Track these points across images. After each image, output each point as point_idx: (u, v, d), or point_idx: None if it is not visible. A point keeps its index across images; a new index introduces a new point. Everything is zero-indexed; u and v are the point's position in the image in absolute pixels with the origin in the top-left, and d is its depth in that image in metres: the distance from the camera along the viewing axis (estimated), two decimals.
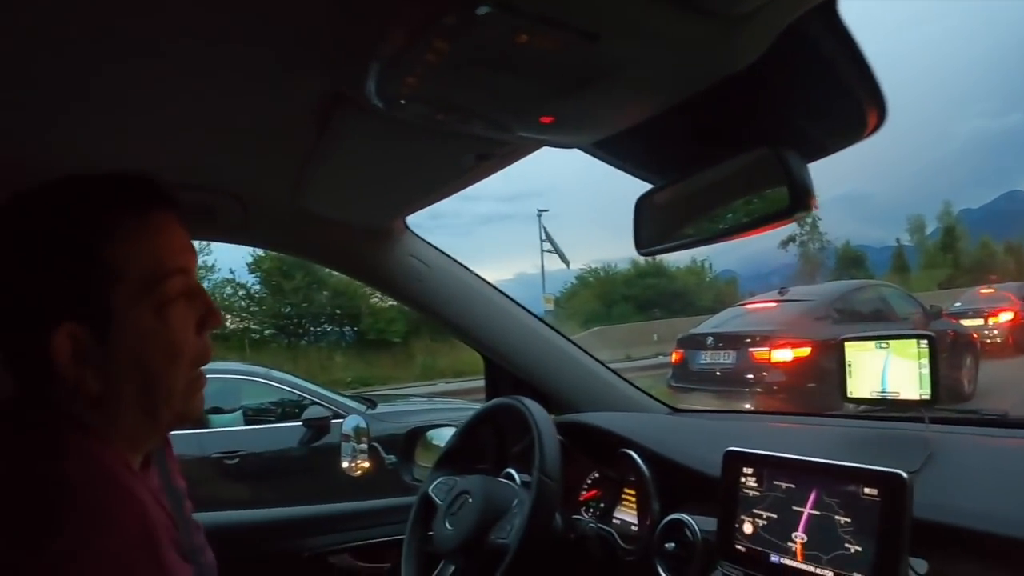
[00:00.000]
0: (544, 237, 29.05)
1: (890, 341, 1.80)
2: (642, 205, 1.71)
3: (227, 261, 26.35)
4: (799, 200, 1.35)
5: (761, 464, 1.54)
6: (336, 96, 1.43)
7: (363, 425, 2.73)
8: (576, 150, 1.57)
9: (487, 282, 2.55)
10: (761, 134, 1.39)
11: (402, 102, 1.28)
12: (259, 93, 1.44)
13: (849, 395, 1.86)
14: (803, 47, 1.17)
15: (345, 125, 1.52)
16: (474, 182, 1.91)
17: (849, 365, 1.86)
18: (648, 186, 1.70)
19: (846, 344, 1.88)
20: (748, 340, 9.99)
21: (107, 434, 1.15)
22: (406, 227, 2.41)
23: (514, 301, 2.60)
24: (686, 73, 1.16)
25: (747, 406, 9.28)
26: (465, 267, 2.52)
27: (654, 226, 1.71)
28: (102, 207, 1.13)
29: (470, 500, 1.99)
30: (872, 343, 1.83)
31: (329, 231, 2.31)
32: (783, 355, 9.48)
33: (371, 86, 1.24)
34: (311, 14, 1.17)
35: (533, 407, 2.00)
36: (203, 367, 1.24)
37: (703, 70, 1.15)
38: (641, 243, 1.71)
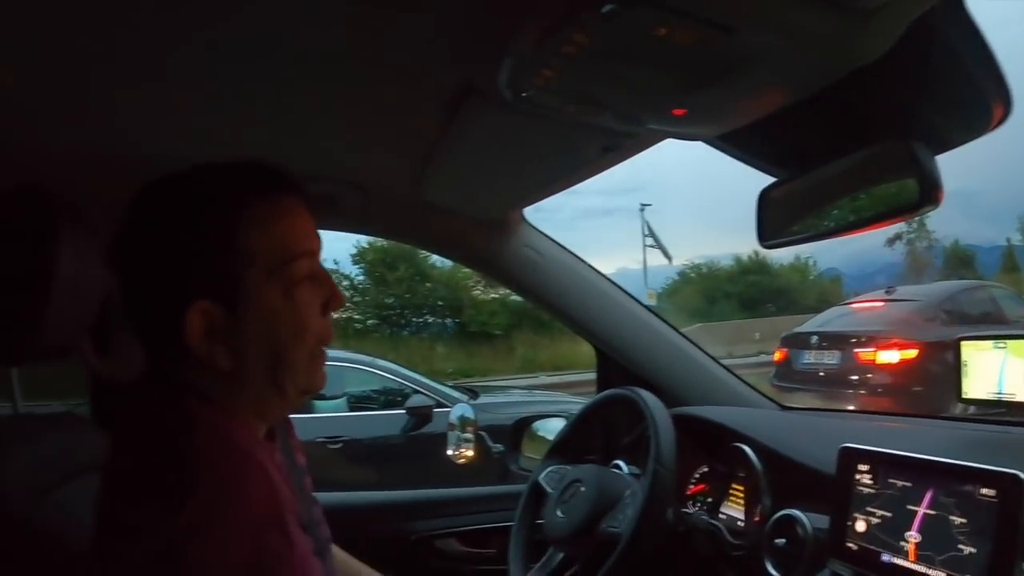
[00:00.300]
0: (646, 232, 28.81)
1: (1008, 341, 1.75)
2: (765, 198, 1.71)
3: (331, 252, 26.56)
4: (928, 194, 1.33)
5: (877, 461, 1.51)
6: (467, 88, 1.46)
7: (469, 415, 2.77)
8: (686, 144, 1.58)
9: (601, 274, 2.55)
10: (887, 127, 1.38)
11: (534, 94, 1.29)
12: (389, 84, 1.48)
13: (964, 396, 1.82)
14: (930, 39, 1.15)
15: (473, 116, 1.54)
16: (595, 174, 1.92)
17: (965, 365, 1.82)
18: (770, 179, 1.70)
19: (962, 343, 1.84)
20: (853, 340, 9.73)
21: (234, 408, 1.21)
22: (522, 218, 2.43)
23: (627, 293, 2.59)
24: (817, 66, 1.15)
25: (850, 408, 9.09)
26: (579, 258, 2.52)
27: (777, 219, 1.70)
28: (235, 193, 1.19)
29: (582, 489, 2.00)
30: (990, 343, 1.79)
31: (448, 221, 2.35)
32: (889, 356, 9.23)
33: (504, 78, 1.27)
34: (448, 7, 1.20)
35: (649, 398, 2.01)
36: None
37: (833, 63, 1.14)
38: (764, 236, 1.71)
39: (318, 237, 1.29)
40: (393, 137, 1.78)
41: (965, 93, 1.29)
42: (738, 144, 1.60)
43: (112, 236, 1.21)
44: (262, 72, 1.41)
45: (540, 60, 1.16)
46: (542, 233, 2.48)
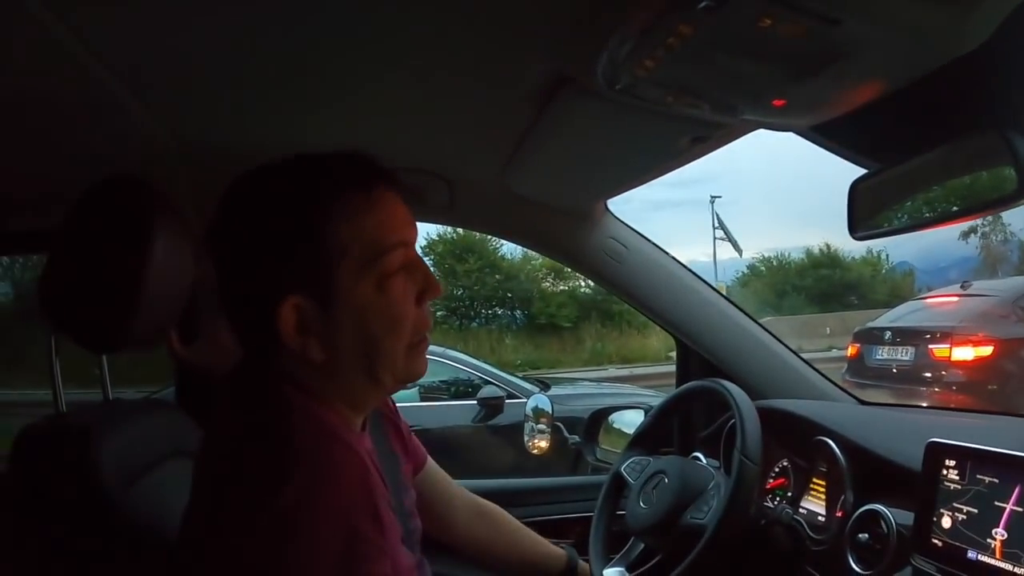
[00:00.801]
0: (716, 224, 28.55)
1: None
2: (856, 189, 1.69)
3: None
4: None
5: (965, 457, 1.48)
6: (561, 78, 1.47)
7: (543, 406, 2.78)
8: (760, 134, 1.60)
9: (684, 265, 2.54)
10: (982, 116, 1.36)
11: (633, 84, 1.30)
12: (481, 74, 1.50)
13: None
14: None
15: (565, 106, 1.55)
16: (682, 164, 1.92)
17: None
18: (860, 171, 1.68)
19: None
20: (928, 336, 9.55)
21: (328, 396, 1.23)
22: (607, 209, 2.44)
23: (709, 285, 2.59)
24: (917, 56, 1.15)
25: (923, 405, 8.96)
26: (663, 250, 2.52)
27: (868, 210, 1.68)
28: (330, 186, 1.20)
29: (666, 480, 2.01)
30: None
31: (533, 212, 2.37)
32: (964, 353, 9.05)
33: (603, 68, 1.28)
34: None
35: (735, 390, 2.00)
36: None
37: (933, 53, 1.13)
38: (855, 227, 1.69)
39: (414, 227, 1.30)
40: (482, 127, 1.81)
41: None
42: (830, 135, 1.58)
43: (205, 226, 1.24)
44: (347, 61, 1.44)
45: (642, 50, 1.17)
46: (625, 224, 2.49)
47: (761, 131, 1.61)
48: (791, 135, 1.60)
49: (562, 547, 1.97)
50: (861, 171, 1.69)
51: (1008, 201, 1.38)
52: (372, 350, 1.22)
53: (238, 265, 1.21)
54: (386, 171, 1.26)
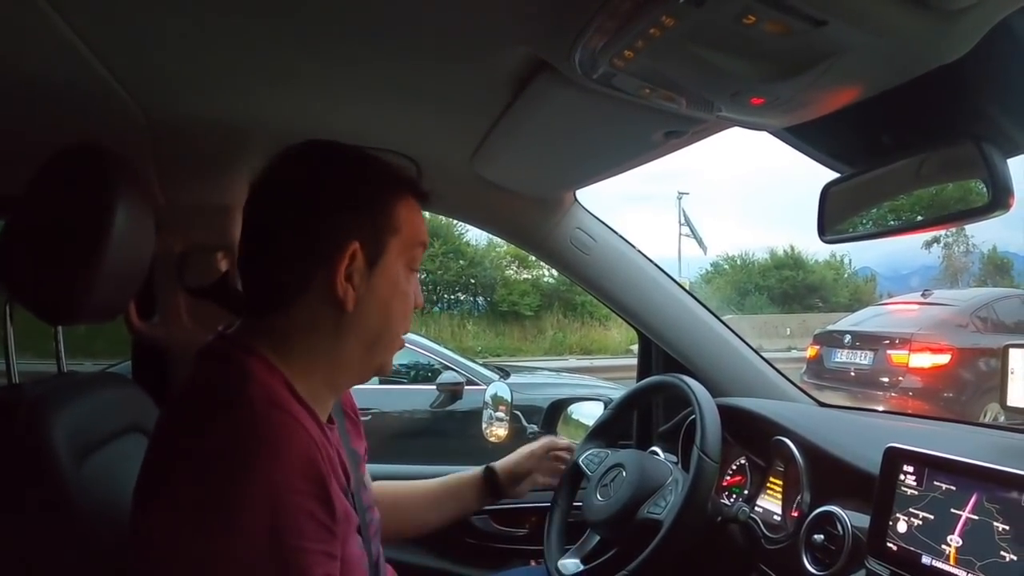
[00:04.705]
0: (682, 221, 28.75)
1: None
2: (828, 192, 1.70)
3: None
4: (999, 198, 1.33)
5: (922, 463, 1.50)
6: (539, 63, 1.46)
7: (502, 394, 2.78)
8: (728, 134, 1.61)
9: (650, 260, 2.55)
10: (958, 128, 1.37)
11: (611, 74, 1.29)
12: (458, 57, 1.47)
13: (1009, 404, 1.81)
14: (1008, 42, 1.15)
15: (541, 93, 1.54)
16: (655, 159, 1.92)
17: (1012, 372, 1.81)
18: (831, 174, 1.70)
19: (1010, 350, 1.82)
20: (887, 342, 9.77)
21: (315, 366, 1.31)
22: (575, 199, 2.45)
23: (675, 281, 2.60)
24: (899, 62, 1.14)
25: (881, 409, 9.07)
26: (630, 243, 2.53)
27: (839, 214, 1.70)
28: (398, 176, 1.40)
29: (624, 473, 2.01)
30: None
31: (502, 199, 2.37)
32: (921, 360, 9.27)
33: (582, 56, 1.27)
34: None
35: (696, 387, 2.00)
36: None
37: (916, 60, 1.13)
38: (824, 230, 1.71)
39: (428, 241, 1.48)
40: (455, 111, 1.79)
41: None
42: (804, 136, 1.59)
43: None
44: (318, 37, 1.41)
45: (622, 40, 1.16)
46: (593, 216, 2.49)
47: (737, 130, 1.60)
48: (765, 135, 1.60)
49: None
50: (833, 175, 1.70)
51: (978, 213, 1.39)
52: (385, 325, 1.37)
53: (315, 207, 1.29)
54: (422, 186, 1.44)
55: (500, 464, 2.12)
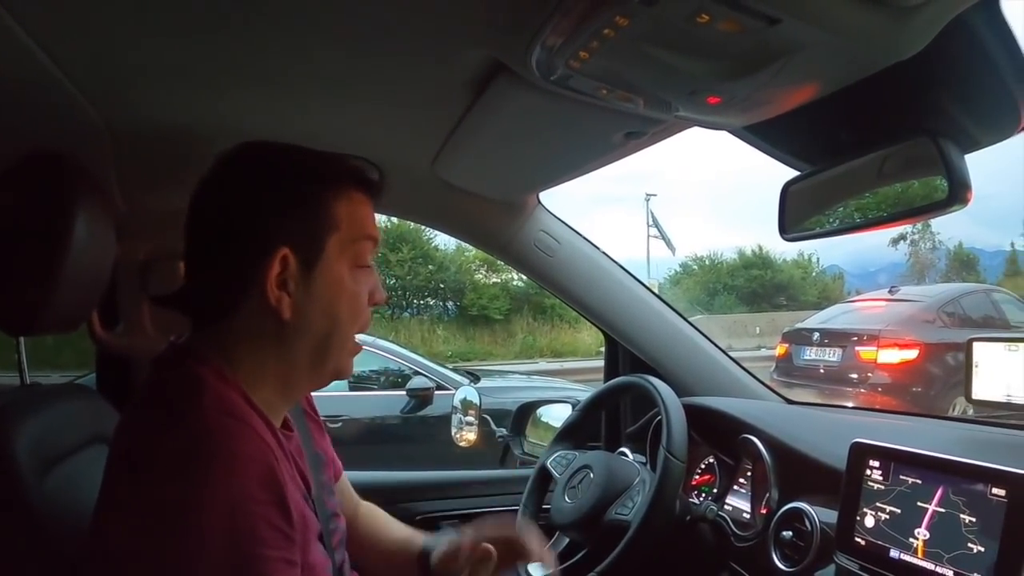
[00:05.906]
0: (651, 222, 28.79)
1: (1020, 344, 1.76)
2: (788, 191, 1.71)
3: None
4: (957, 193, 1.34)
5: (888, 457, 1.51)
6: (497, 65, 1.45)
7: (471, 398, 2.79)
8: (695, 135, 1.61)
9: (615, 261, 2.55)
10: (916, 124, 1.39)
11: (567, 75, 1.29)
12: (415, 59, 1.47)
13: (974, 397, 1.82)
14: (963, 38, 1.15)
15: (501, 96, 1.54)
16: (616, 160, 1.92)
17: (976, 366, 1.82)
18: (792, 172, 1.71)
19: (974, 344, 1.83)
20: (855, 338, 9.84)
21: (263, 375, 1.28)
22: (539, 202, 2.44)
23: (640, 282, 2.60)
24: (855, 60, 1.15)
25: (849, 405, 9.12)
26: (595, 245, 2.53)
27: (799, 212, 1.71)
28: (337, 169, 1.33)
29: (591, 475, 2.01)
30: (1002, 345, 1.79)
31: (464, 202, 2.35)
32: (889, 356, 9.34)
33: (538, 57, 1.27)
34: None
35: (661, 387, 2.01)
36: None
37: (871, 57, 1.14)
38: (786, 228, 1.72)
39: (379, 236, 1.40)
40: (415, 113, 1.78)
41: (995, 94, 1.29)
42: (763, 135, 1.60)
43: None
44: (276, 39, 1.40)
45: (577, 41, 1.16)
46: (558, 218, 2.49)
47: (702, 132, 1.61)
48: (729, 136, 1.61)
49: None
50: (794, 173, 1.70)
51: (936, 208, 1.40)
52: (332, 328, 1.30)
53: (239, 214, 1.26)
54: (374, 179, 1.38)
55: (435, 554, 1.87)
